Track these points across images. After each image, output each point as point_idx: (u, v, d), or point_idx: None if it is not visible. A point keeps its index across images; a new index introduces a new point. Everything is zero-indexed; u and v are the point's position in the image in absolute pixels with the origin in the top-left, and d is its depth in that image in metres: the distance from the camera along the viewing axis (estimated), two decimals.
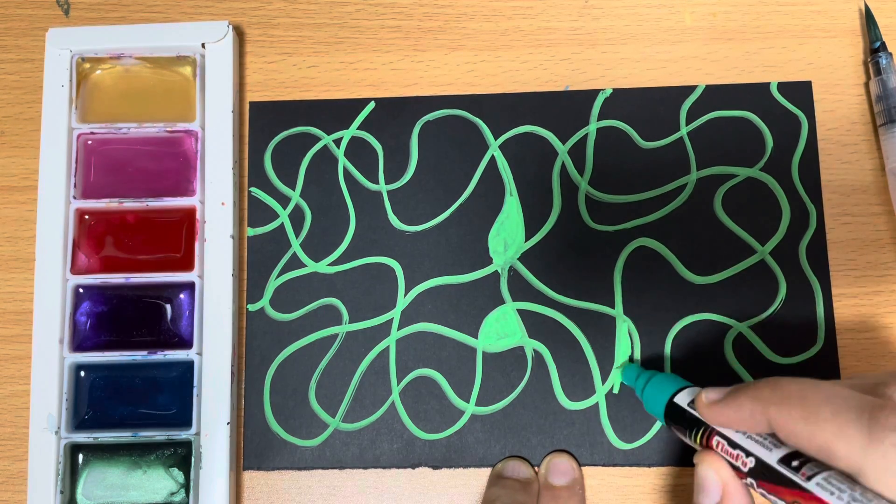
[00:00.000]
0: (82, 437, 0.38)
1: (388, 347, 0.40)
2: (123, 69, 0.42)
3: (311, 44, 0.43)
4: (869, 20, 0.41)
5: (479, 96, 0.42)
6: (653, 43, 0.42)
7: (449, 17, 0.43)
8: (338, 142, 0.42)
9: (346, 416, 0.39)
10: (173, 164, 0.41)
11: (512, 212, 0.41)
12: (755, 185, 0.41)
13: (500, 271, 0.40)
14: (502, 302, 0.40)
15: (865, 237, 0.40)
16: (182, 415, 0.38)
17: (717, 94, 0.41)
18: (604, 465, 0.38)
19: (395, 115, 0.42)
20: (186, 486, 0.38)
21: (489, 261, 0.40)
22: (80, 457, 0.38)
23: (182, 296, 0.40)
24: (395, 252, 0.41)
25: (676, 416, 0.33)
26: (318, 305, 0.40)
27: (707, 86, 0.42)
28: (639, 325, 0.40)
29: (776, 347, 0.39)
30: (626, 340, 0.39)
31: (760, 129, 0.41)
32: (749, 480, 0.28)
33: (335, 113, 0.42)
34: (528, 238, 0.41)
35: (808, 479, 0.26)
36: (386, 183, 0.42)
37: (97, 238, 0.40)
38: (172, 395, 0.39)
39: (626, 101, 0.42)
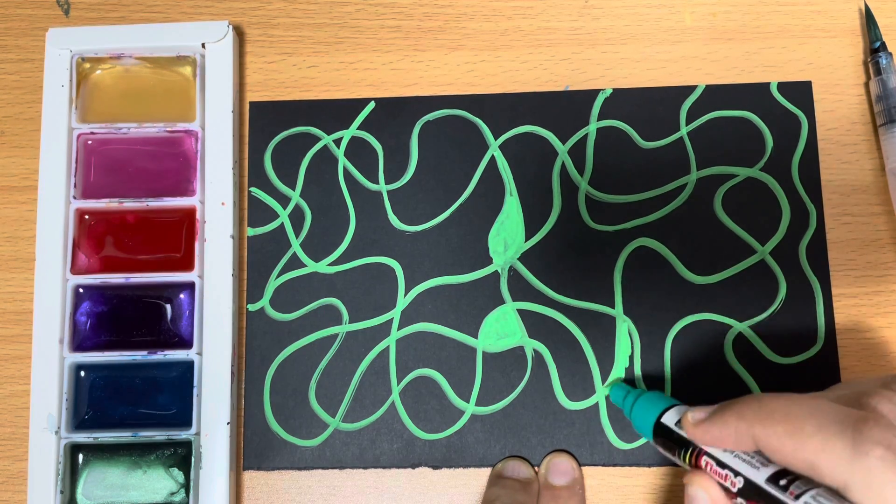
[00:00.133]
0: (82, 437, 0.38)
1: (388, 347, 0.40)
2: (123, 69, 0.42)
3: (311, 44, 0.43)
4: (869, 20, 0.41)
5: (479, 96, 0.42)
6: (653, 43, 0.42)
7: (449, 17, 0.43)
8: (338, 142, 0.42)
9: (346, 416, 0.39)
10: (173, 164, 0.41)
11: (512, 212, 0.41)
12: (755, 185, 0.41)
13: (500, 271, 0.40)
14: (502, 302, 0.40)
15: (865, 237, 0.40)
16: (182, 415, 0.38)
17: (717, 94, 0.41)
18: (604, 465, 0.38)
19: (395, 115, 0.42)
20: (186, 486, 0.38)
21: (489, 261, 0.40)
22: (80, 457, 0.38)
23: (182, 296, 0.40)
24: (395, 252, 0.41)
25: (665, 436, 0.33)
26: (318, 305, 0.40)
27: (707, 86, 0.42)
28: (639, 325, 0.40)
29: (776, 347, 0.39)
30: (626, 340, 0.39)
31: (760, 129, 0.41)
32: (739, 501, 0.28)
33: (335, 113, 0.42)
34: (528, 238, 0.41)
35: (797, 497, 0.26)
36: (386, 183, 0.42)
37: (97, 238, 0.40)
38: (172, 395, 0.39)
39: (626, 101, 0.42)
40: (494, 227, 0.41)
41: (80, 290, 0.39)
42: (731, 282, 0.40)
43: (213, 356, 0.38)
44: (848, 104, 0.41)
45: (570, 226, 0.41)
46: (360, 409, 0.39)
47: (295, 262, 0.41)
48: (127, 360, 0.39)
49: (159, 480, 0.38)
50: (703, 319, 0.39)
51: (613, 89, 0.42)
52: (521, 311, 0.40)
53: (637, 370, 0.39)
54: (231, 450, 0.38)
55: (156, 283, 0.39)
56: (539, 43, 0.43)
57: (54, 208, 0.40)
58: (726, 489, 0.29)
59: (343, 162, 0.42)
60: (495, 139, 0.42)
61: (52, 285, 0.39)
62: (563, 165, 0.41)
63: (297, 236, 0.41)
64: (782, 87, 0.41)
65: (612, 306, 0.40)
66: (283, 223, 0.41)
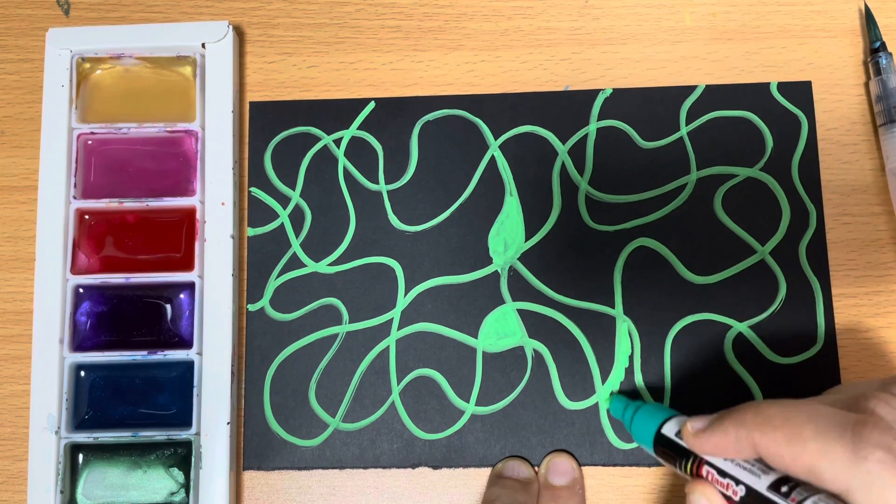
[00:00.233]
0: (82, 437, 0.38)
1: (388, 347, 0.40)
2: (123, 69, 0.42)
3: (311, 44, 0.43)
4: (869, 20, 0.41)
5: (479, 96, 0.42)
6: (653, 43, 0.42)
7: (449, 17, 0.43)
8: (338, 142, 0.42)
9: (346, 416, 0.39)
10: (173, 164, 0.41)
11: (512, 212, 0.41)
12: (755, 185, 0.41)
13: (500, 271, 0.40)
14: (502, 302, 0.40)
15: (865, 237, 0.40)
16: (182, 415, 0.38)
17: (717, 94, 0.41)
18: (604, 465, 0.38)
19: (395, 115, 0.42)
20: (186, 486, 0.38)
21: (489, 261, 0.40)
22: (81, 457, 0.38)
23: (182, 296, 0.40)
24: (395, 252, 0.41)
25: (665, 447, 0.33)
26: (318, 305, 0.40)
27: (707, 86, 0.42)
28: (639, 325, 0.39)
29: (776, 347, 0.39)
30: (626, 340, 0.39)
31: (760, 129, 0.41)
32: None
33: (335, 113, 0.42)
34: (528, 238, 0.41)
35: None
36: (386, 183, 0.42)
37: (97, 238, 0.40)
38: (172, 395, 0.39)
39: (626, 101, 0.42)
40: (494, 227, 0.41)
41: (80, 290, 0.39)
42: (730, 282, 0.40)
43: (213, 356, 0.38)
44: (848, 104, 0.41)
45: (570, 226, 0.41)
46: (360, 409, 0.39)
47: (295, 262, 0.41)
48: (127, 360, 0.39)
49: (159, 480, 0.38)
50: (703, 319, 0.39)
51: (613, 89, 0.42)
52: (521, 311, 0.40)
53: (637, 370, 0.39)
54: (231, 450, 0.38)
55: (156, 283, 0.39)
56: (539, 43, 0.43)
57: (54, 208, 0.40)
58: (728, 498, 0.29)
59: (343, 162, 0.42)
60: (495, 139, 0.42)
61: (52, 285, 0.39)
62: (563, 165, 0.41)
63: (297, 236, 0.41)
64: (782, 87, 0.41)
65: (612, 306, 0.40)
66: (283, 223, 0.41)
